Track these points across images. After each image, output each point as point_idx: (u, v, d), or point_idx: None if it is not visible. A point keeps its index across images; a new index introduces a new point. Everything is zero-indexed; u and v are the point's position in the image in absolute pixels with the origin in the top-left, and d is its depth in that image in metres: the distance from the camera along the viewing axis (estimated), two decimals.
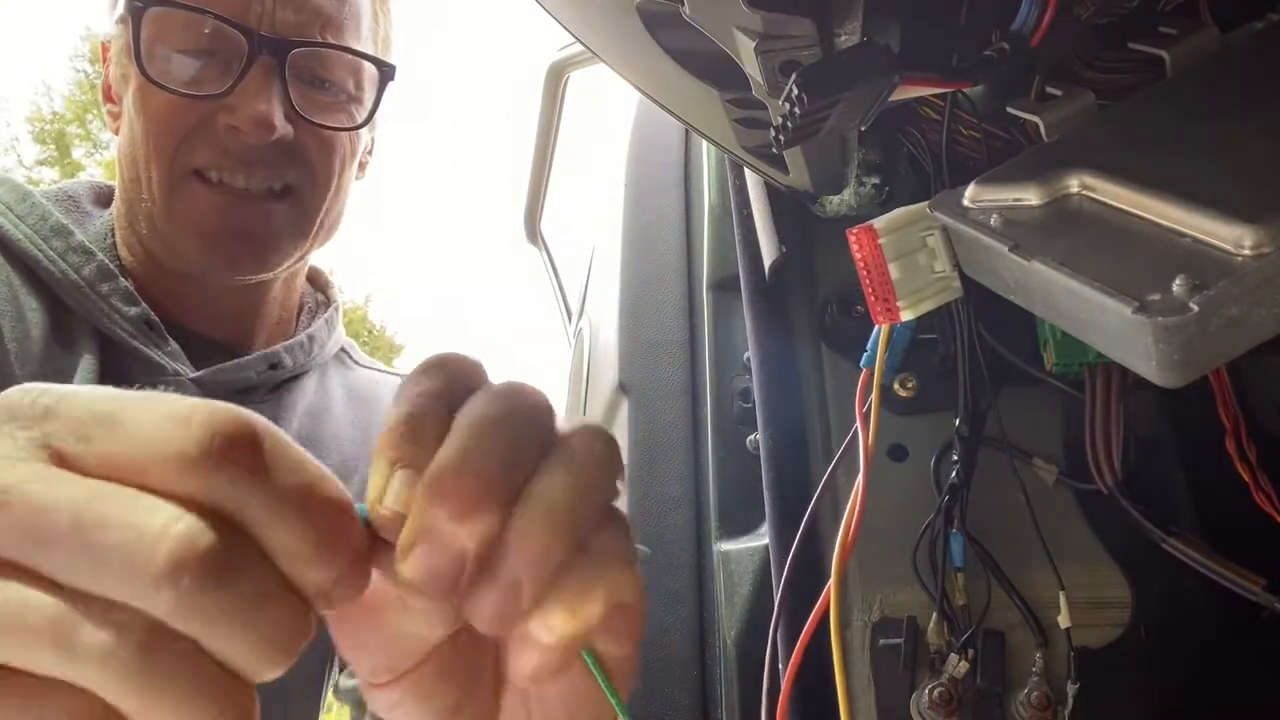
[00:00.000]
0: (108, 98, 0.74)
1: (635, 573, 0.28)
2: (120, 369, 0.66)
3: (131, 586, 0.22)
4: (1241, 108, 0.42)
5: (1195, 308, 0.32)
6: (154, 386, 0.65)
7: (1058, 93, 0.48)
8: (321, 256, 0.82)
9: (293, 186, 0.70)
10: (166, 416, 0.23)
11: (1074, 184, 0.42)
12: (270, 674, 0.24)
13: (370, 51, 0.73)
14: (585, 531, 0.27)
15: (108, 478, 0.23)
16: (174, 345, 0.68)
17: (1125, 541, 0.55)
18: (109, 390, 0.25)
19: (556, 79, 1.67)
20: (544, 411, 0.28)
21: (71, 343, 0.66)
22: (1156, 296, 0.33)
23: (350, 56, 0.71)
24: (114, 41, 0.71)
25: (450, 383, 0.28)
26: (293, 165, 0.69)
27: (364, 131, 0.75)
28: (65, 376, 0.64)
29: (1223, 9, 0.47)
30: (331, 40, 0.69)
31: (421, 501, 0.26)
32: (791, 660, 0.53)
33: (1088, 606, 0.54)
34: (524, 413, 0.28)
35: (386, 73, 0.74)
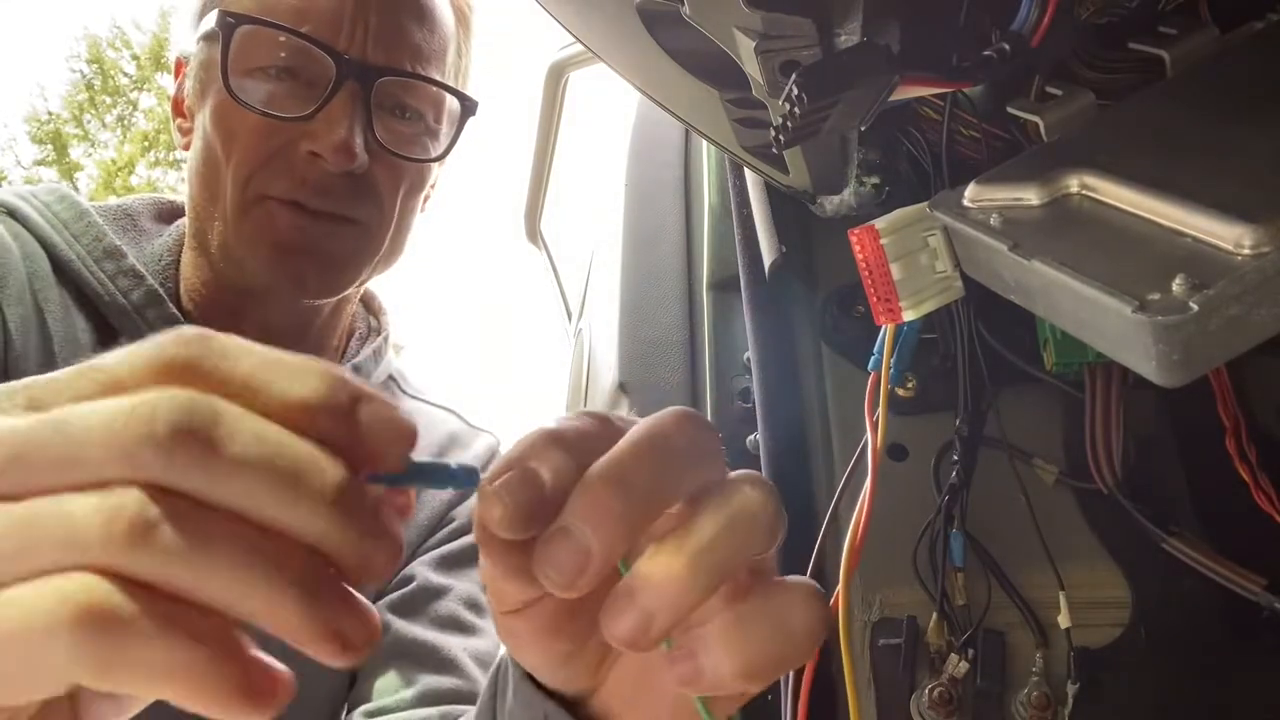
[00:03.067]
0: (179, 112, 0.73)
1: (778, 636, 0.28)
2: None
3: (115, 458, 0.22)
4: (1241, 108, 0.42)
5: (1195, 307, 0.32)
6: None
7: (1058, 93, 0.48)
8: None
9: (360, 220, 0.69)
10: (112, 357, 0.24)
11: (1074, 184, 0.42)
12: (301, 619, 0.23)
13: (453, 84, 0.73)
14: (728, 580, 0.27)
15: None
16: None
17: (1125, 541, 0.55)
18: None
19: (556, 79, 1.67)
20: (712, 444, 0.29)
21: None
22: (1156, 296, 0.33)
23: (434, 89, 0.70)
24: (193, 57, 0.70)
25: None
26: (363, 199, 0.68)
27: (434, 166, 0.74)
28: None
29: (1223, 9, 0.47)
30: (419, 71, 0.68)
31: (574, 499, 0.26)
32: (807, 669, 0.52)
33: (1088, 606, 0.54)
34: (691, 441, 0.28)
35: (469, 107, 0.73)
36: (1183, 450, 0.58)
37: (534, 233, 1.95)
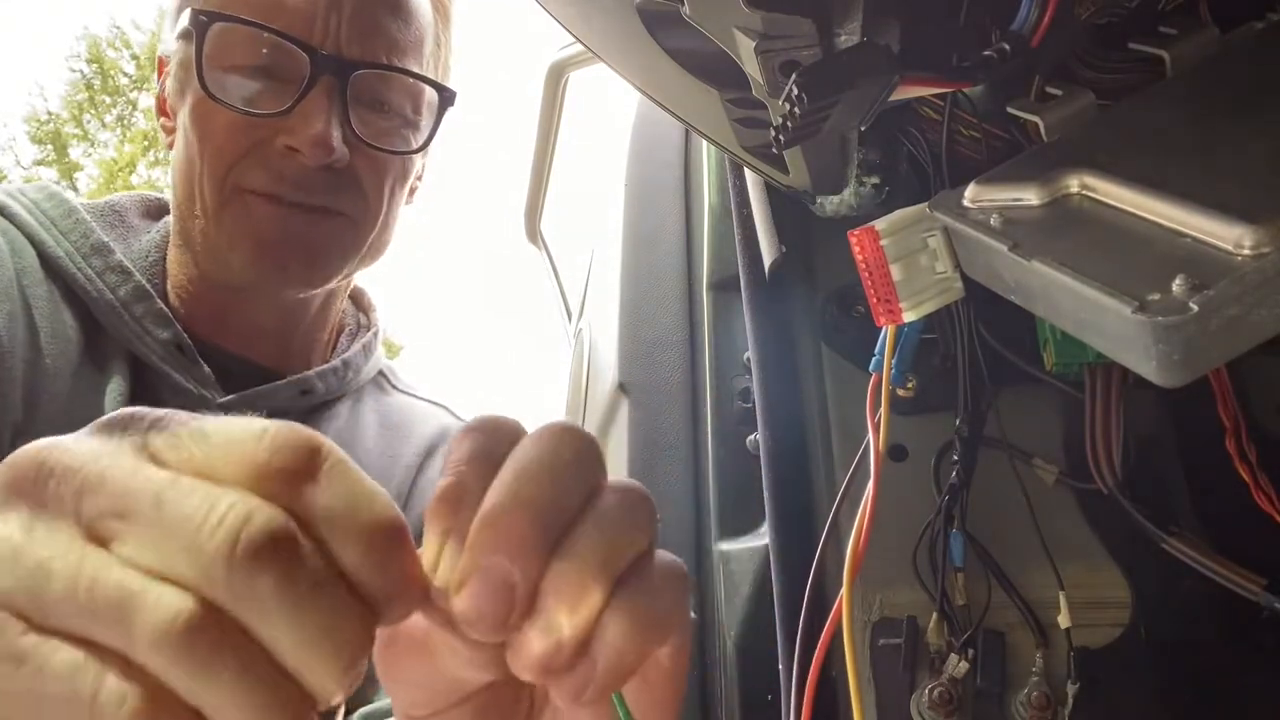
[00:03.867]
0: (162, 112, 0.74)
1: (666, 623, 0.29)
2: (150, 390, 0.66)
3: (192, 558, 0.23)
4: (1241, 108, 0.42)
5: (1195, 308, 0.32)
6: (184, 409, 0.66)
7: (1058, 93, 0.48)
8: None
9: (344, 213, 0.70)
10: (244, 429, 0.25)
11: (1074, 184, 0.42)
12: (326, 681, 0.24)
13: (431, 75, 0.73)
14: (618, 582, 0.28)
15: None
16: (205, 370, 0.68)
17: (1125, 541, 0.55)
18: (207, 417, 0.27)
19: (556, 79, 1.67)
20: (589, 454, 0.29)
21: (104, 362, 0.66)
22: (1156, 296, 0.33)
23: (411, 80, 0.70)
24: (173, 56, 0.71)
25: (490, 443, 0.29)
26: (345, 192, 0.69)
27: (417, 157, 0.75)
28: (96, 394, 0.64)
29: (1223, 9, 0.47)
30: (395, 63, 0.68)
31: (475, 538, 0.27)
32: (811, 670, 0.52)
33: (1088, 606, 0.54)
34: (569, 455, 0.29)
35: (447, 98, 0.73)
36: (1183, 450, 0.58)
37: (534, 233, 1.95)
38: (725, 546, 0.69)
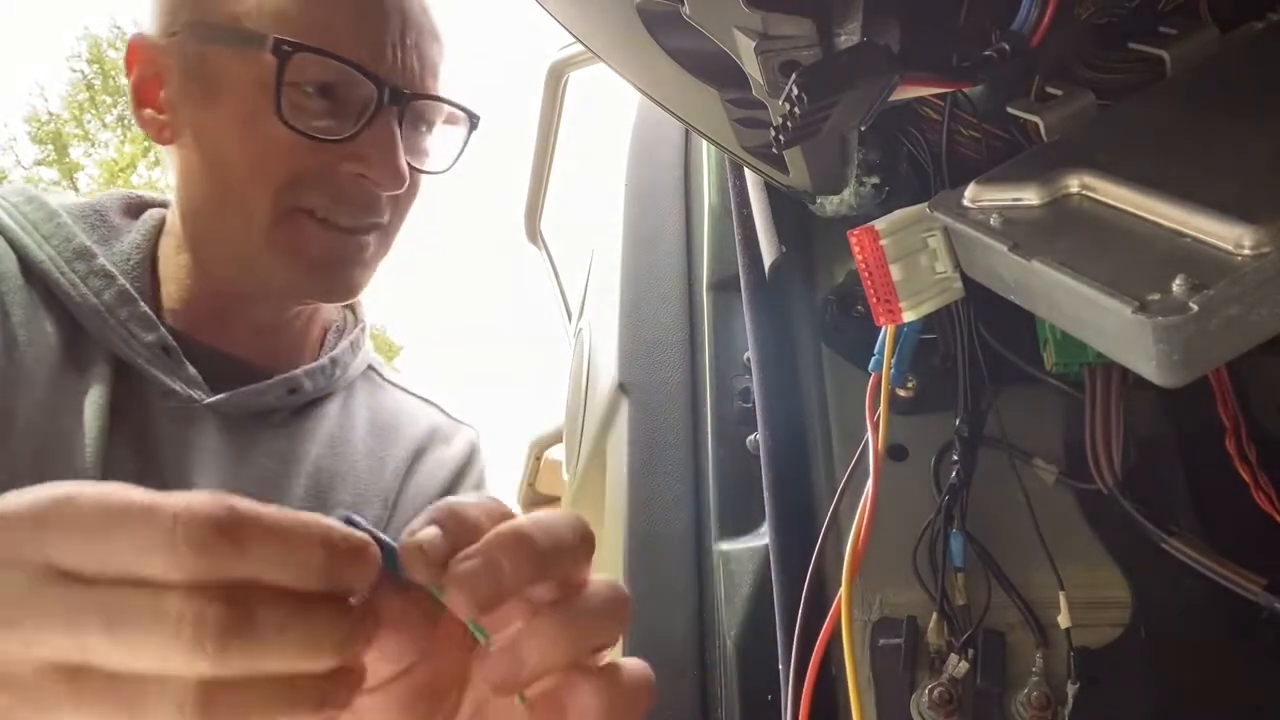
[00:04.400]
0: (147, 102, 0.71)
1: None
2: (136, 393, 0.66)
3: (172, 665, 0.28)
4: (1241, 108, 0.42)
5: (1195, 308, 0.32)
6: (170, 410, 0.66)
7: (1058, 93, 0.48)
8: None
9: (383, 223, 0.72)
10: (149, 522, 0.28)
11: (1074, 184, 0.42)
12: (331, 660, 0.30)
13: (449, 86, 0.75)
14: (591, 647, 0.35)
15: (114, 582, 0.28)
16: (191, 371, 0.68)
17: (1125, 541, 0.55)
18: (98, 503, 0.29)
19: (556, 79, 1.67)
20: (589, 548, 0.36)
21: (85, 367, 0.66)
22: (1156, 296, 0.33)
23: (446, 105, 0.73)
24: (178, 49, 0.68)
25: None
26: (392, 207, 0.71)
27: None
28: (76, 399, 0.64)
29: (1223, 9, 0.47)
30: (439, 90, 0.71)
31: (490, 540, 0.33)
32: (809, 670, 0.52)
33: (1088, 606, 0.54)
34: (578, 538, 0.36)
35: (475, 123, 0.75)
36: (1183, 450, 0.58)
37: (534, 233, 1.95)
38: (725, 546, 0.69)
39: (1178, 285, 0.32)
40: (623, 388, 0.85)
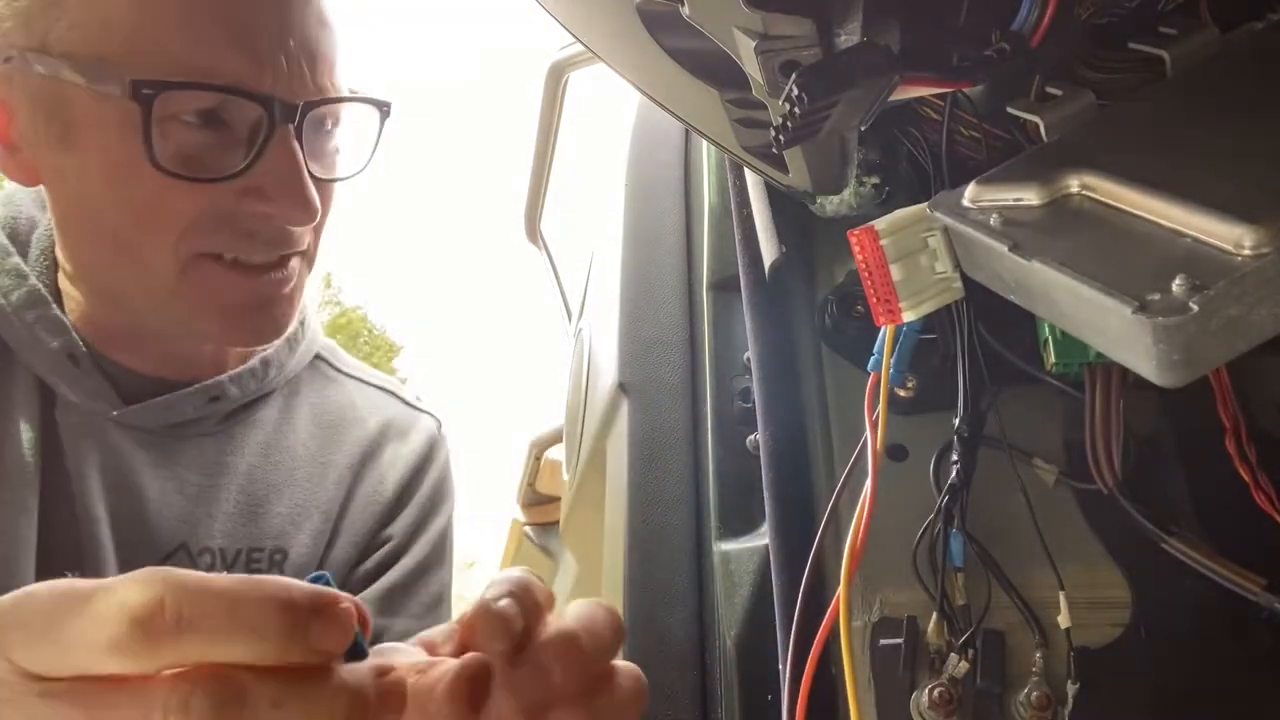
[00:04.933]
0: (2, 139, 0.59)
1: None
2: (48, 404, 0.62)
3: None
4: (1241, 108, 0.42)
5: (1195, 308, 0.32)
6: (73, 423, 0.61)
7: (1058, 93, 0.48)
8: (322, 261, 0.75)
9: (303, 249, 0.65)
10: (93, 621, 0.27)
11: (1074, 184, 0.42)
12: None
13: (351, 72, 0.65)
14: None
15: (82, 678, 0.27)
16: (96, 381, 0.63)
17: (1125, 541, 0.55)
18: (45, 602, 0.28)
19: (556, 79, 1.67)
20: (617, 641, 0.37)
21: (9, 373, 0.62)
22: (1156, 296, 0.33)
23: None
24: (24, 85, 0.57)
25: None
26: (306, 232, 0.64)
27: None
28: (5, 407, 0.60)
29: (1223, 9, 0.47)
30: (338, 85, 0.61)
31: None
32: (806, 669, 0.52)
33: (1088, 606, 0.54)
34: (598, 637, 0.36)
35: (385, 112, 0.65)
36: (1183, 450, 0.58)
37: (534, 233, 1.95)
38: (725, 546, 0.69)
39: (1178, 285, 0.32)
40: (623, 388, 0.85)
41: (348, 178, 0.65)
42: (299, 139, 0.58)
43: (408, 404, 0.82)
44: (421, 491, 0.78)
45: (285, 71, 0.57)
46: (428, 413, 0.83)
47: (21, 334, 0.62)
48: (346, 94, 0.62)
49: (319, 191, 0.61)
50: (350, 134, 0.65)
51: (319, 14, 0.60)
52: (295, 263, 0.64)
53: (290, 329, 0.66)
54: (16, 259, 0.64)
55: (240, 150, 0.57)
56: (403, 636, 0.72)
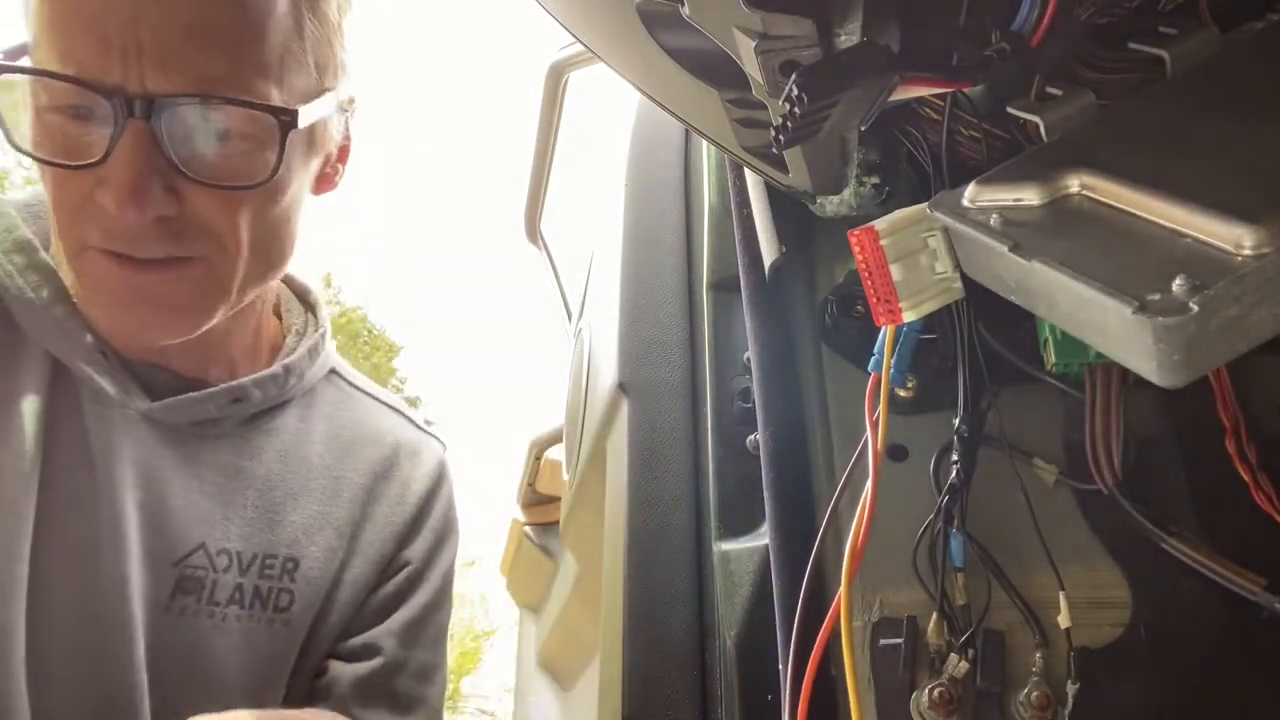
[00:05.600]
0: None
1: None
2: (69, 396, 0.63)
3: None
4: (1241, 108, 0.42)
5: (1195, 308, 0.32)
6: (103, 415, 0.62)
7: (1058, 93, 0.48)
8: (322, 261, 0.74)
9: (196, 257, 0.61)
10: None
11: (1074, 184, 0.42)
12: None
13: (304, 80, 0.62)
14: None
15: None
16: (127, 377, 0.65)
17: (1125, 541, 0.55)
18: None
19: (556, 79, 1.67)
20: None
21: (18, 364, 0.63)
22: (1156, 296, 0.33)
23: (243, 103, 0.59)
24: None
25: None
26: (190, 237, 0.60)
27: (321, 145, 0.67)
28: (10, 401, 0.61)
29: (1223, 9, 0.47)
30: (215, 89, 0.57)
31: None
32: (807, 669, 0.52)
33: (1088, 606, 0.54)
34: None
35: (285, 121, 0.60)
36: (1183, 450, 0.58)
37: (534, 233, 1.95)
38: (725, 546, 0.69)
39: (1178, 285, 0.32)
40: (623, 388, 0.85)
41: (238, 187, 0.60)
42: (158, 135, 0.57)
43: (417, 426, 0.84)
44: (435, 516, 0.80)
45: (137, 68, 0.56)
46: (435, 436, 0.85)
47: (51, 329, 0.64)
48: (253, 96, 0.59)
49: (210, 198, 0.59)
50: (265, 140, 0.61)
51: (199, 11, 0.57)
52: (191, 271, 0.61)
53: (198, 331, 0.64)
54: (44, 255, 0.66)
55: (105, 143, 0.57)
56: (420, 667, 0.73)
